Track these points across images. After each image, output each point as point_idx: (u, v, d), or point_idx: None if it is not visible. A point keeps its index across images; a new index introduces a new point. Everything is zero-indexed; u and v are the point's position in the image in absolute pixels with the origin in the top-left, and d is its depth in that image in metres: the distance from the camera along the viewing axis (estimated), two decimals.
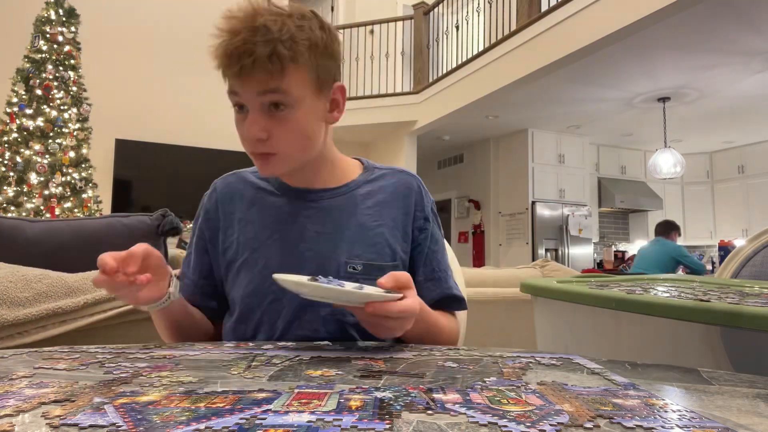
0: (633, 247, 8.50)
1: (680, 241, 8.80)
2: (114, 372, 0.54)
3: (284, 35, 0.74)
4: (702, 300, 0.91)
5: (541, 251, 7.02)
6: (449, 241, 8.18)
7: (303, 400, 0.42)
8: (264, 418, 0.37)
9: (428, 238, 0.94)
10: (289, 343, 0.75)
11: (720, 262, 6.70)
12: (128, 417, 0.37)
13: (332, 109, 0.87)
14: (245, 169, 0.99)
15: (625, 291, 1.07)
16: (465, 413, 0.40)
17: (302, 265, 0.86)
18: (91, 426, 0.35)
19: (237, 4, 0.77)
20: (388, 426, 0.36)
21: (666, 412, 0.42)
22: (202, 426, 0.35)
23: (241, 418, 0.37)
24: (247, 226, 0.91)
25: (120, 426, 0.35)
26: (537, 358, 0.64)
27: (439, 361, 0.62)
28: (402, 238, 0.91)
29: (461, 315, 1.02)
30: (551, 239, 7.15)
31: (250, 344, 0.74)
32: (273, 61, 0.74)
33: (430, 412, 0.40)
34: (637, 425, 0.38)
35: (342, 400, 0.43)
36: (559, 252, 7.20)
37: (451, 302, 0.95)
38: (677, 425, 0.38)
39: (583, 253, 7.39)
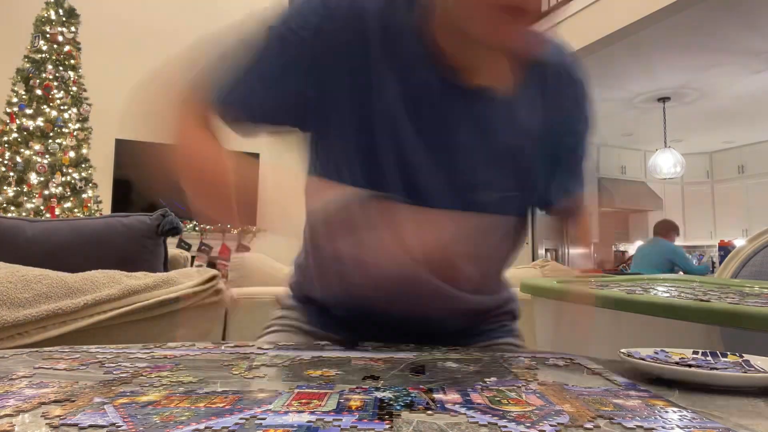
0: (633, 247, 8.49)
1: (680, 242, 8.81)
2: (114, 372, 0.54)
3: None
4: (702, 300, 0.91)
5: (541, 251, 7.02)
6: None
7: (303, 400, 0.42)
8: (264, 418, 0.37)
9: (574, 156, 0.89)
10: (290, 344, 0.75)
11: (720, 262, 6.70)
12: (128, 417, 0.37)
13: None
14: None
15: (625, 291, 1.07)
16: (465, 413, 0.40)
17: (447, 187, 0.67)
18: (90, 426, 0.35)
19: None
20: (388, 426, 0.36)
21: (666, 412, 0.42)
22: (201, 426, 0.35)
23: (240, 418, 0.37)
24: (385, 63, 0.63)
25: (120, 426, 0.35)
26: (537, 357, 0.64)
27: (439, 361, 0.62)
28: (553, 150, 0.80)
29: None
30: (551, 239, 7.15)
31: (251, 344, 0.74)
32: None
33: (430, 412, 0.40)
34: (637, 426, 0.38)
35: (342, 400, 0.43)
36: (559, 252, 7.20)
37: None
38: (678, 425, 0.38)
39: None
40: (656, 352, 0.58)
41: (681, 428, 0.38)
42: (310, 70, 0.64)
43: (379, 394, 0.45)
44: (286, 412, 0.39)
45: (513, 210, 0.76)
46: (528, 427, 0.37)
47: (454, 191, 0.67)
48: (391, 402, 0.42)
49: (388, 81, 0.63)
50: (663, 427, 0.38)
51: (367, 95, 0.63)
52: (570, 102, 0.77)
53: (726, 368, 0.52)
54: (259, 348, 0.70)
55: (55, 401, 0.41)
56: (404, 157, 0.65)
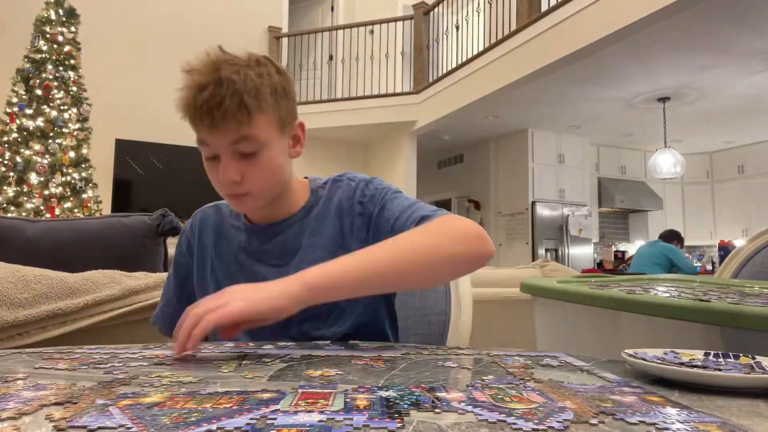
0: (633, 247, 8.49)
1: None
2: (113, 372, 0.54)
3: (248, 85, 0.79)
4: (702, 300, 0.91)
5: (541, 251, 7.02)
6: None
7: (310, 400, 0.43)
8: (274, 418, 0.37)
9: (374, 209, 0.91)
10: (290, 343, 0.75)
11: (720, 262, 6.70)
12: (136, 418, 0.37)
13: (294, 144, 0.91)
14: (222, 201, 1.00)
15: (625, 291, 1.07)
16: (472, 411, 0.40)
17: None
18: (99, 428, 0.35)
19: (195, 56, 0.81)
20: (399, 425, 0.36)
21: (664, 408, 0.42)
22: (213, 427, 0.36)
23: (251, 419, 0.37)
24: (217, 258, 0.96)
25: (130, 428, 0.35)
26: (531, 357, 0.64)
27: (440, 361, 0.62)
28: (353, 240, 0.91)
29: (450, 218, 0.85)
30: (551, 239, 7.16)
31: (251, 344, 0.74)
32: (242, 111, 0.79)
33: (437, 410, 0.40)
34: (639, 421, 0.38)
35: (348, 400, 0.43)
36: (559, 252, 7.20)
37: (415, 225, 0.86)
38: (677, 420, 0.39)
39: (583, 253, 7.39)
40: (665, 353, 0.58)
41: (681, 422, 0.38)
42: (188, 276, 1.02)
43: (384, 393, 0.45)
44: (295, 412, 0.39)
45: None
46: (536, 424, 0.37)
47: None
48: (397, 401, 0.43)
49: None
50: (664, 422, 0.38)
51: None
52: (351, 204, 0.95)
53: (731, 369, 0.52)
54: (257, 347, 0.70)
55: (56, 403, 0.41)
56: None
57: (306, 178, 1.01)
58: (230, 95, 0.78)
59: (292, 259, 0.91)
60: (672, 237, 5.33)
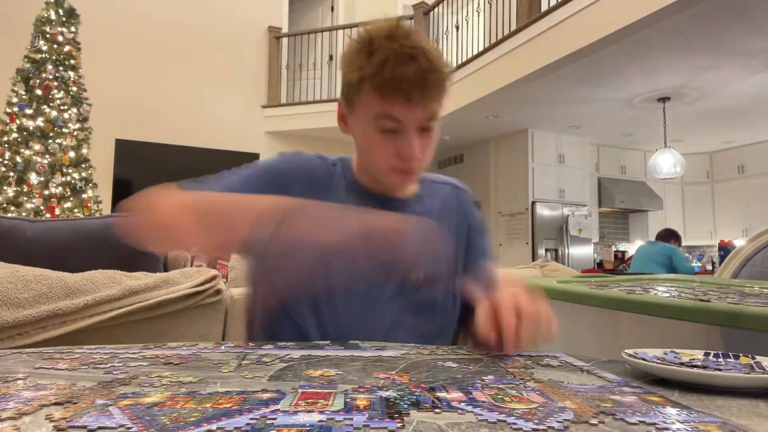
0: (633, 247, 8.49)
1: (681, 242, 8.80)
2: (113, 372, 0.54)
3: (444, 63, 0.79)
4: (702, 300, 0.91)
5: (541, 251, 7.02)
6: None
7: (309, 400, 0.43)
8: (274, 418, 0.37)
9: (476, 249, 0.96)
10: (289, 343, 0.75)
11: (720, 262, 6.70)
12: (136, 418, 0.37)
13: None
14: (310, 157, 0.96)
15: (625, 291, 1.07)
16: (472, 411, 0.40)
17: (370, 271, 0.84)
18: (99, 428, 0.35)
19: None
20: (399, 425, 0.36)
21: (664, 408, 0.42)
22: (213, 427, 0.36)
23: (251, 419, 0.37)
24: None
25: (130, 428, 0.35)
26: (531, 357, 0.64)
27: (440, 361, 0.62)
28: (455, 248, 0.94)
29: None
30: (551, 239, 7.15)
31: (250, 344, 0.74)
32: (440, 89, 0.79)
33: (437, 410, 0.40)
34: (639, 421, 0.38)
35: (348, 400, 0.43)
36: (559, 252, 7.20)
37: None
38: (677, 420, 0.39)
39: (583, 253, 7.39)
40: (665, 353, 0.58)
41: (681, 422, 0.38)
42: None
43: (384, 393, 0.45)
44: (295, 412, 0.39)
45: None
46: (536, 424, 0.37)
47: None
48: (397, 401, 0.43)
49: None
50: (664, 422, 0.38)
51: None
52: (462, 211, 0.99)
53: (731, 369, 0.52)
54: (257, 347, 0.70)
55: (56, 403, 0.41)
56: None
57: None
58: (436, 71, 0.77)
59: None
60: (670, 236, 5.32)
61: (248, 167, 0.93)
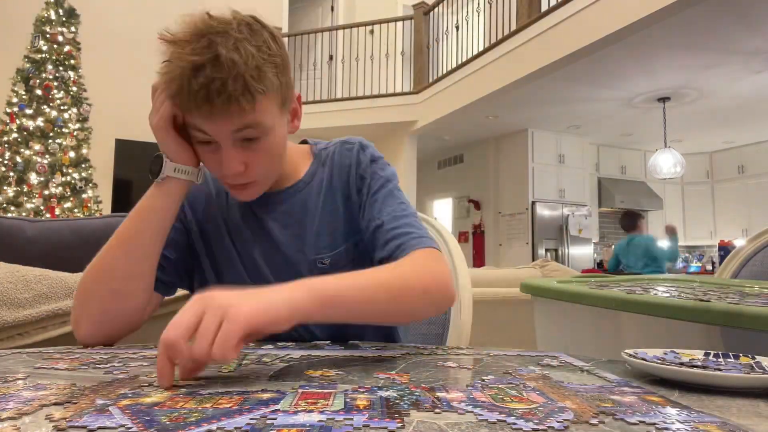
0: None
1: (681, 242, 8.81)
2: (113, 373, 0.54)
3: (251, 65, 0.69)
4: (702, 300, 0.91)
5: (541, 251, 7.02)
6: None
7: (309, 400, 0.43)
8: (274, 418, 0.37)
9: (367, 194, 0.87)
10: (289, 343, 0.75)
11: (720, 262, 6.70)
12: (136, 418, 0.37)
13: (292, 119, 0.84)
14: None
15: (625, 291, 1.07)
16: (472, 411, 0.40)
17: (279, 269, 0.85)
18: (99, 428, 0.35)
19: (177, 21, 0.70)
20: (399, 425, 0.36)
21: (664, 408, 0.42)
22: (213, 427, 0.35)
23: (251, 419, 0.37)
24: (223, 226, 0.90)
25: (130, 428, 0.35)
26: (530, 357, 0.64)
27: (440, 361, 0.62)
28: (355, 213, 0.88)
29: (431, 253, 0.79)
30: (551, 239, 7.15)
31: (250, 344, 0.74)
32: (246, 97, 0.69)
33: (437, 410, 0.40)
34: (639, 421, 0.38)
35: (348, 400, 0.43)
36: (559, 252, 7.20)
37: (397, 249, 0.79)
38: (677, 420, 0.39)
39: (583, 253, 7.39)
40: (665, 353, 0.58)
41: (681, 422, 0.38)
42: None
43: (384, 393, 0.45)
44: (295, 412, 0.39)
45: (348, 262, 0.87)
46: (536, 424, 0.37)
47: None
48: (397, 401, 0.43)
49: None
50: (664, 422, 0.38)
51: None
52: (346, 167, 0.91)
53: (731, 369, 0.52)
54: (257, 347, 0.70)
55: (56, 403, 0.41)
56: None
57: (305, 142, 0.96)
58: (233, 79, 0.67)
59: (306, 226, 0.86)
60: (632, 221, 5.07)
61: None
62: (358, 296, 0.64)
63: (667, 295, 1.03)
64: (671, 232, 5.01)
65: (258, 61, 0.70)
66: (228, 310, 0.51)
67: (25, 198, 4.49)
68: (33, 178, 4.53)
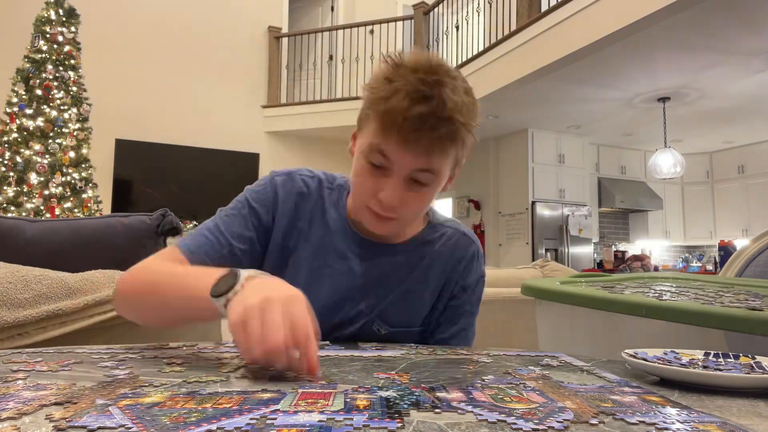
0: (633, 248, 8.49)
1: (681, 241, 8.81)
2: (113, 373, 0.54)
3: (465, 115, 0.71)
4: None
5: (541, 251, 7.01)
6: None
7: (309, 400, 0.43)
8: (274, 418, 0.37)
9: (458, 308, 0.91)
10: None
11: (720, 262, 6.70)
12: (136, 418, 0.37)
13: (449, 180, 0.82)
14: (320, 174, 0.93)
15: (638, 293, 1.04)
16: (472, 411, 0.40)
17: (338, 309, 0.85)
18: (99, 428, 0.35)
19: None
20: (399, 425, 0.36)
21: (664, 408, 0.42)
22: (213, 427, 0.35)
23: (251, 419, 0.37)
24: (309, 244, 0.87)
25: (130, 428, 0.35)
26: (531, 357, 0.64)
27: (440, 361, 0.62)
28: (431, 304, 0.91)
29: None
30: (551, 239, 7.15)
31: None
32: (453, 143, 0.72)
33: (437, 410, 0.40)
34: (639, 421, 0.38)
35: (348, 400, 0.43)
36: (559, 252, 7.20)
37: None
38: (677, 420, 0.39)
39: (583, 253, 7.38)
40: (665, 353, 0.58)
41: (681, 422, 0.38)
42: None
43: (384, 393, 0.45)
44: (295, 412, 0.39)
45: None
46: (536, 424, 0.37)
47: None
48: (397, 401, 0.43)
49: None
50: (663, 422, 0.38)
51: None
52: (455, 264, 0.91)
53: (731, 369, 0.52)
54: None
55: (56, 403, 0.41)
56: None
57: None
58: (449, 121, 0.69)
59: (393, 289, 0.87)
60: None
61: (238, 200, 0.88)
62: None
63: (685, 298, 1.00)
64: None
65: (470, 113, 0.73)
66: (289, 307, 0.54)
67: (25, 198, 4.49)
68: (33, 178, 4.52)
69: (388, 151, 0.73)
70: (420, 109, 0.68)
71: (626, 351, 0.56)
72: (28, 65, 4.68)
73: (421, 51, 0.75)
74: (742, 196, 8.16)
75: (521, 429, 0.36)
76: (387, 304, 0.87)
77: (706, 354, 0.58)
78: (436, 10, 6.59)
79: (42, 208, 4.51)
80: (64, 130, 4.70)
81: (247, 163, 6.60)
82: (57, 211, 4.55)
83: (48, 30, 4.76)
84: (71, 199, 4.67)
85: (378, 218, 0.78)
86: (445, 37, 6.54)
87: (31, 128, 4.57)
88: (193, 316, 0.78)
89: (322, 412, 0.39)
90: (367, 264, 0.86)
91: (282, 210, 0.86)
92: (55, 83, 4.72)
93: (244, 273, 0.60)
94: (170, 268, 0.75)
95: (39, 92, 4.64)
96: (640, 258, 6.36)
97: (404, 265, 0.88)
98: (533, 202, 7.14)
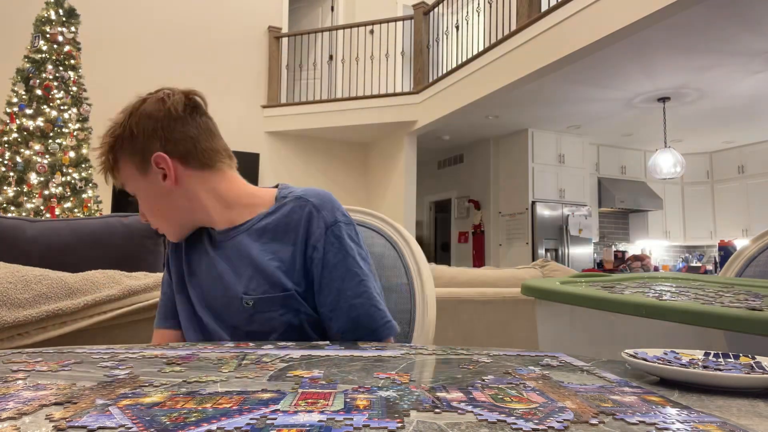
0: (633, 248, 8.50)
1: (681, 241, 8.81)
2: (113, 373, 0.54)
3: (108, 142, 0.96)
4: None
5: (541, 251, 7.02)
6: (449, 242, 8.02)
7: (309, 400, 0.42)
8: (274, 418, 0.37)
9: (319, 266, 0.90)
10: (289, 343, 0.75)
11: (720, 262, 6.70)
12: (136, 418, 0.37)
13: (164, 178, 0.93)
14: None
15: (641, 294, 1.03)
16: (472, 411, 0.40)
17: (213, 303, 0.94)
18: (99, 428, 0.35)
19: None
20: (399, 425, 0.36)
21: (664, 408, 0.42)
22: (213, 427, 0.35)
23: (251, 419, 0.37)
24: (183, 260, 1.01)
25: (130, 428, 0.35)
26: (530, 357, 0.64)
27: (440, 361, 0.62)
28: (292, 271, 0.90)
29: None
30: (551, 239, 7.15)
31: (251, 344, 0.74)
32: (108, 170, 0.98)
33: (437, 410, 0.40)
34: (639, 421, 0.38)
35: (348, 400, 0.43)
36: (559, 252, 7.20)
37: (364, 332, 0.88)
38: (677, 420, 0.39)
39: (583, 253, 7.39)
40: (665, 353, 0.58)
41: (681, 422, 0.38)
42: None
43: (384, 393, 0.45)
44: (295, 412, 0.39)
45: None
46: (536, 424, 0.37)
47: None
48: (397, 401, 0.43)
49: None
50: (663, 422, 0.38)
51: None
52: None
53: (731, 369, 0.52)
54: (258, 347, 0.70)
55: (56, 403, 0.41)
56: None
57: (276, 186, 1.01)
58: (100, 155, 0.97)
59: (247, 266, 0.91)
60: None
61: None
62: None
63: (686, 298, 0.99)
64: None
65: (111, 139, 0.96)
66: None
67: (25, 198, 4.49)
68: (33, 178, 4.52)
69: None
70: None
71: (626, 351, 0.56)
72: (28, 65, 4.68)
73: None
74: (742, 196, 8.17)
75: (521, 429, 0.36)
76: (244, 278, 0.91)
77: (706, 354, 0.58)
78: (436, 10, 6.59)
79: (42, 208, 4.51)
80: (64, 130, 4.70)
81: (247, 163, 6.60)
82: (57, 211, 4.55)
83: (48, 30, 4.76)
84: (71, 199, 4.67)
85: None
86: (445, 37, 6.54)
87: (31, 128, 4.57)
88: None
89: (322, 412, 0.39)
90: (221, 250, 0.96)
91: (177, 252, 1.04)
92: (55, 83, 4.72)
93: None
94: None
95: (39, 92, 4.65)
96: (640, 258, 6.39)
97: (247, 242, 0.94)
98: (533, 202, 7.15)
